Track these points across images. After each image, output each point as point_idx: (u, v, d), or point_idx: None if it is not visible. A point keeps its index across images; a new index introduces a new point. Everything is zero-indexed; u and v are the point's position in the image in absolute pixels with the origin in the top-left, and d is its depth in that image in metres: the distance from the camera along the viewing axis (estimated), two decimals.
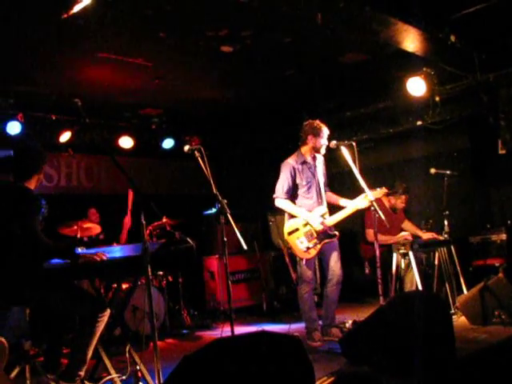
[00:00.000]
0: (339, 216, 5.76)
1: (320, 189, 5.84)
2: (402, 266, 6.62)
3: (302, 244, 5.68)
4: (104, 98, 7.79)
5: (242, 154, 10.46)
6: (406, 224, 7.20)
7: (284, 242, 8.78)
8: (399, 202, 7.12)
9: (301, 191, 5.80)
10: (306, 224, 5.69)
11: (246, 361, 2.63)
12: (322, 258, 5.89)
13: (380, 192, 5.77)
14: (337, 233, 5.80)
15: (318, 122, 5.88)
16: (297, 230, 5.73)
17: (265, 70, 7.29)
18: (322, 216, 5.72)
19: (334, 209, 5.92)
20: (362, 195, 5.58)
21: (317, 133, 5.79)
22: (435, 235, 6.82)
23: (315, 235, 5.67)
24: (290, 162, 5.85)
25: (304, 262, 5.72)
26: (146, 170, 9.74)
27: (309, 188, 5.79)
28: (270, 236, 9.26)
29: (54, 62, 6.39)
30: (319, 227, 5.64)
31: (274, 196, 5.84)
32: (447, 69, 6.97)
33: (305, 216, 5.69)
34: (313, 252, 5.68)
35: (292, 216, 5.79)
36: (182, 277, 7.87)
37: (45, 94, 7.47)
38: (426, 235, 6.82)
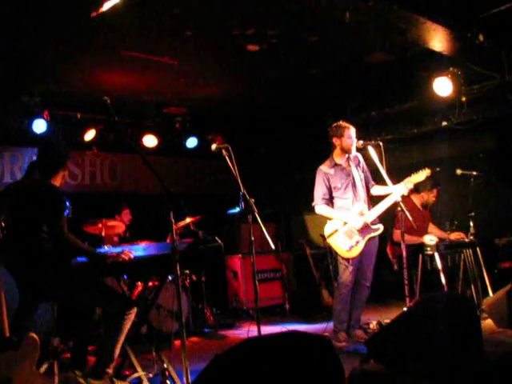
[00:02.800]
0: (378, 209, 5.73)
1: (356, 187, 5.80)
2: (428, 267, 6.56)
3: (343, 244, 5.67)
4: (129, 97, 7.82)
5: (266, 154, 10.46)
6: (431, 227, 7.13)
7: (307, 241, 8.85)
8: (431, 196, 7.01)
9: (338, 193, 5.80)
10: (345, 223, 5.69)
11: (277, 361, 2.61)
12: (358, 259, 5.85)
13: (424, 173, 5.70)
14: (381, 226, 5.76)
15: (341, 122, 5.87)
16: (336, 231, 5.73)
17: (290, 69, 7.28)
18: (360, 213, 5.69)
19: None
20: (402, 183, 5.55)
21: (340, 133, 5.79)
22: (462, 235, 6.75)
23: (356, 233, 5.66)
24: (322, 168, 5.89)
25: (345, 263, 5.69)
26: (169, 168, 9.77)
27: (345, 189, 5.78)
28: (293, 236, 9.26)
29: (80, 60, 6.44)
30: (359, 226, 5.63)
31: (313, 204, 5.90)
32: (474, 69, 6.88)
33: (344, 218, 5.71)
34: (356, 250, 5.65)
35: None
36: (205, 276, 7.89)
37: (70, 92, 7.53)
38: (454, 235, 6.75)
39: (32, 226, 4.16)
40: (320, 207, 5.84)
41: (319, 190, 5.84)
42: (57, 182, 4.30)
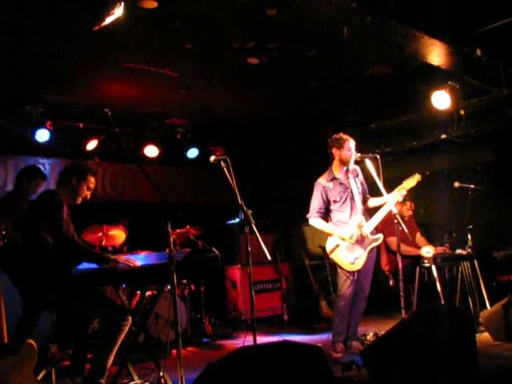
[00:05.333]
0: (375, 220, 5.79)
1: (354, 200, 5.84)
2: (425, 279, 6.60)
3: (347, 258, 5.71)
4: (130, 108, 7.90)
5: (266, 165, 10.51)
6: (419, 238, 7.19)
7: (306, 252, 8.89)
8: (405, 208, 7.10)
9: (335, 206, 5.84)
10: (343, 239, 5.74)
11: (269, 370, 2.66)
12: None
13: (415, 178, 5.82)
14: (380, 235, 5.80)
15: (341, 134, 5.92)
16: (337, 246, 5.77)
17: (290, 81, 7.33)
18: (359, 224, 5.74)
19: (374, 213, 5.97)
20: (395, 190, 5.64)
21: (340, 144, 5.83)
22: (447, 249, 6.80)
23: (357, 245, 5.70)
24: (320, 181, 5.93)
25: (346, 274, 5.73)
26: (170, 178, 9.81)
27: (343, 202, 5.82)
28: (292, 247, 9.30)
29: (82, 71, 6.51)
30: (355, 236, 5.67)
31: (307, 216, 5.94)
32: (472, 82, 6.95)
33: (338, 233, 5.75)
34: (359, 263, 5.69)
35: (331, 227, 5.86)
36: (203, 286, 7.93)
37: (73, 102, 7.61)
38: (438, 249, 6.78)
39: (34, 233, 4.24)
40: (314, 220, 5.88)
41: (315, 203, 5.88)
42: (65, 192, 4.44)
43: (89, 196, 4.61)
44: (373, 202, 5.98)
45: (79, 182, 4.50)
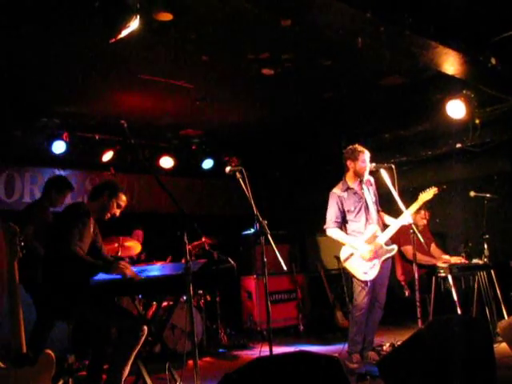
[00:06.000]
0: (390, 231, 5.78)
1: (369, 210, 5.85)
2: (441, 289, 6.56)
3: (360, 267, 5.70)
4: (146, 119, 7.96)
5: (281, 176, 10.53)
6: (433, 248, 7.15)
7: (321, 262, 8.87)
8: (419, 217, 7.06)
9: (350, 216, 5.84)
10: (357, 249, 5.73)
11: (286, 380, 2.65)
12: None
13: (431, 192, 5.80)
14: (395, 246, 5.80)
15: (356, 146, 5.93)
16: (352, 254, 5.76)
17: (304, 92, 7.36)
18: (374, 235, 5.73)
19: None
20: (406, 213, 5.60)
21: (354, 156, 5.84)
22: (463, 259, 6.76)
23: (372, 255, 5.69)
24: (335, 191, 5.93)
25: (361, 284, 5.72)
26: (185, 189, 9.87)
27: (358, 212, 5.82)
28: (307, 257, 9.28)
29: (98, 83, 6.59)
30: (368, 255, 5.66)
31: (325, 227, 5.93)
32: (487, 91, 6.92)
33: (354, 244, 5.74)
34: (373, 273, 5.69)
35: (346, 238, 5.85)
36: (219, 296, 7.94)
37: (89, 114, 7.69)
38: (454, 259, 6.74)
39: (53, 244, 4.28)
40: (332, 230, 5.87)
41: (332, 213, 5.88)
42: (94, 206, 4.53)
43: (118, 214, 4.66)
44: (386, 219, 6.00)
45: (110, 199, 4.57)
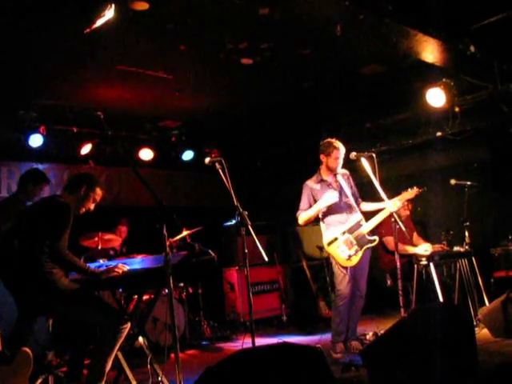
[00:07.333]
0: (374, 221, 5.78)
1: (349, 200, 5.84)
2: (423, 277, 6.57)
3: (343, 252, 5.68)
4: (124, 111, 7.87)
5: (262, 167, 10.49)
6: (415, 238, 7.16)
7: (303, 253, 8.87)
8: (402, 209, 7.06)
9: (325, 208, 5.78)
10: (344, 232, 5.71)
11: (269, 372, 2.63)
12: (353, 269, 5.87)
13: (413, 192, 5.83)
14: (376, 237, 5.80)
15: (331, 140, 5.89)
16: (335, 239, 5.73)
17: (284, 81, 7.33)
18: (358, 223, 5.73)
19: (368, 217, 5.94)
20: (395, 199, 5.61)
21: (328, 152, 5.82)
22: (444, 247, 6.79)
23: (355, 242, 5.69)
24: (308, 183, 5.92)
25: (344, 271, 5.71)
26: (165, 181, 9.80)
27: (335, 204, 5.76)
28: (289, 248, 9.28)
29: (75, 75, 6.48)
30: (335, 199, 5.64)
31: (296, 215, 5.90)
32: (467, 79, 6.93)
33: (318, 203, 5.72)
34: (355, 259, 5.67)
35: (328, 227, 5.81)
36: (201, 288, 7.91)
37: (66, 106, 7.56)
38: (435, 247, 6.77)
39: (32, 240, 4.19)
40: (300, 213, 5.83)
41: (304, 204, 5.86)
42: (72, 200, 4.38)
43: (92, 208, 4.54)
44: (366, 206, 5.98)
45: (87, 193, 4.42)
